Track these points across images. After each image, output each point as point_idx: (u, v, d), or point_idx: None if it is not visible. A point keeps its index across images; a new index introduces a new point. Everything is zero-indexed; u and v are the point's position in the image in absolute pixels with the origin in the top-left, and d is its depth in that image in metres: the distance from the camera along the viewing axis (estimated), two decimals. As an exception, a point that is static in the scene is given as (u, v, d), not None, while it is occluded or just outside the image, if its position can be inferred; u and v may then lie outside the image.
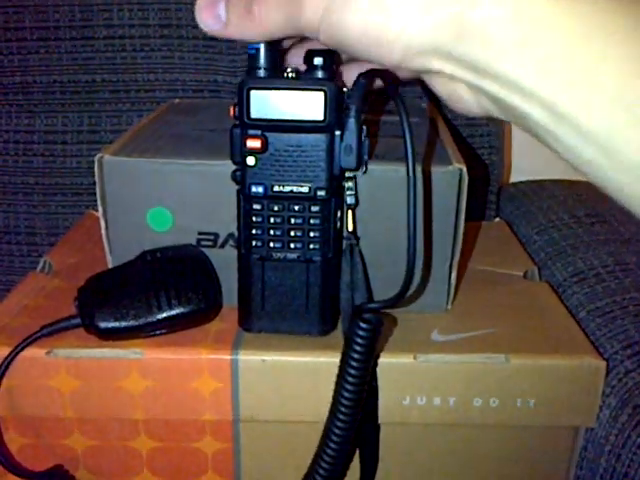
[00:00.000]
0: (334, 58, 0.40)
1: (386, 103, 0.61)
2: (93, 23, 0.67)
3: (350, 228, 0.44)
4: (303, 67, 0.40)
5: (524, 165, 0.84)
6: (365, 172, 0.43)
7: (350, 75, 0.41)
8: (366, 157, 0.42)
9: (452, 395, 0.44)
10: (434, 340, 0.45)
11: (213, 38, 0.68)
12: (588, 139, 0.26)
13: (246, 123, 0.40)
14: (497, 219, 0.70)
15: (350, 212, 0.44)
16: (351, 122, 0.41)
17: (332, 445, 0.39)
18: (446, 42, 0.28)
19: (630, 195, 0.26)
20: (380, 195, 0.45)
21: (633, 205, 0.27)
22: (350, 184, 0.43)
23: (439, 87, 0.32)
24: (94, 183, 0.46)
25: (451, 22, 0.27)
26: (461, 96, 0.31)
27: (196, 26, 0.67)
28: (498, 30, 0.26)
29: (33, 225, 0.72)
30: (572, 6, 0.25)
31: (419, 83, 0.70)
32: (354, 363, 0.38)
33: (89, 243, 0.59)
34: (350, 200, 0.43)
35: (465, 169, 0.44)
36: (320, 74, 0.40)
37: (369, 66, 0.38)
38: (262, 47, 0.39)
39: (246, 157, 0.41)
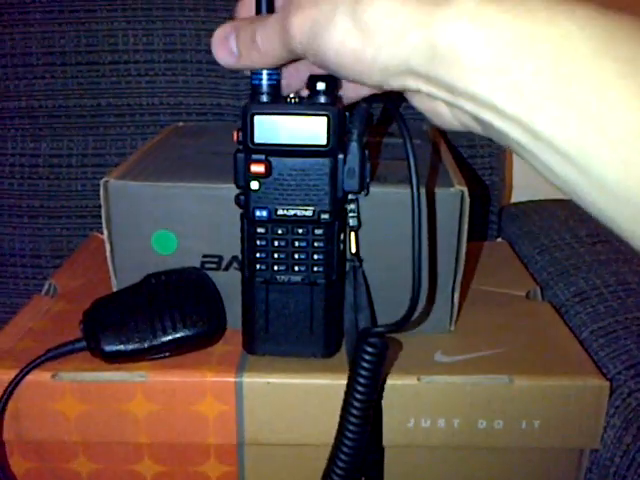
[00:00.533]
0: (336, 83, 0.41)
1: (387, 125, 0.62)
2: (98, 48, 0.68)
3: (353, 250, 0.44)
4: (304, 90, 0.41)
5: (525, 185, 0.85)
6: (367, 194, 0.44)
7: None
8: (368, 180, 0.43)
9: (456, 417, 0.44)
10: (438, 361, 0.45)
11: (216, 62, 0.69)
12: (564, 158, 0.26)
13: (250, 148, 0.41)
14: (499, 239, 0.70)
15: (353, 234, 0.44)
16: (353, 146, 0.41)
17: (339, 466, 0.39)
18: (421, 64, 0.28)
19: (609, 215, 0.27)
20: (382, 217, 0.45)
21: (614, 225, 0.27)
22: (353, 206, 0.44)
23: (419, 104, 0.33)
24: (99, 206, 0.47)
25: (425, 45, 0.28)
26: (440, 113, 0.32)
27: (199, 50, 0.68)
28: (471, 53, 0.27)
29: (38, 248, 0.72)
30: (544, 30, 0.26)
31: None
32: (360, 388, 0.38)
33: (93, 266, 0.59)
34: (353, 222, 0.44)
35: (467, 190, 0.45)
36: (322, 99, 0.40)
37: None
38: (264, 73, 0.40)
39: (250, 181, 0.41)
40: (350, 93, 0.40)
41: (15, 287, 0.73)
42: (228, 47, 0.37)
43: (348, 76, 0.32)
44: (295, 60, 0.36)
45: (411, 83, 0.30)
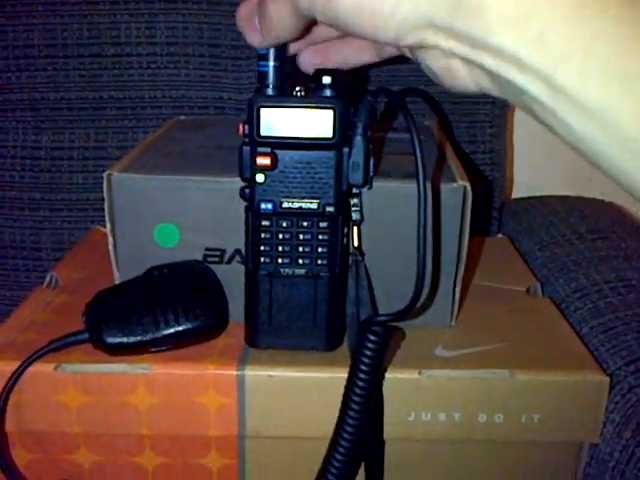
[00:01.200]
0: (342, 76, 0.41)
1: (390, 121, 0.62)
2: (101, 41, 0.68)
3: (355, 244, 0.44)
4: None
5: (526, 181, 0.85)
6: (370, 188, 0.44)
7: (337, 55, 0.41)
8: (372, 174, 0.43)
9: (457, 411, 0.44)
10: (438, 355, 0.45)
11: (218, 56, 0.69)
12: (584, 112, 0.26)
13: (256, 141, 0.41)
14: (500, 235, 0.70)
15: (355, 228, 0.44)
16: (358, 139, 0.41)
17: (339, 458, 0.40)
18: (442, 15, 0.28)
19: (624, 171, 0.27)
20: (385, 211, 0.45)
21: (627, 182, 0.27)
22: (355, 200, 0.44)
23: (434, 64, 0.32)
24: (100, 199, 0.47)
25: None
26: (457, 72, 0.31)
27: (202, 44, 0.68)
28: (495, 3, 0.27)
29: (39, 240, 0.72)
30: None
31: (423, 101, 0.70)
32: (362, 375, 0.39)
33: (95, 259, 0.59)
34: (356, 216, 0.44)
35: (469, 186, 0.45)
36: (328, 92, 0.40)
37: (358, 44, 0.38)
38: (271, 64, 0.40)
39: (255, 174, 0.42)
40: (351, 59, 0.40)
41: (16, 280, 0.73)
42: (254, 27, 0.36)
43: (361, 32, 0.31)
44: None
45: (430, 38, 0.29)
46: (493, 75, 0.29)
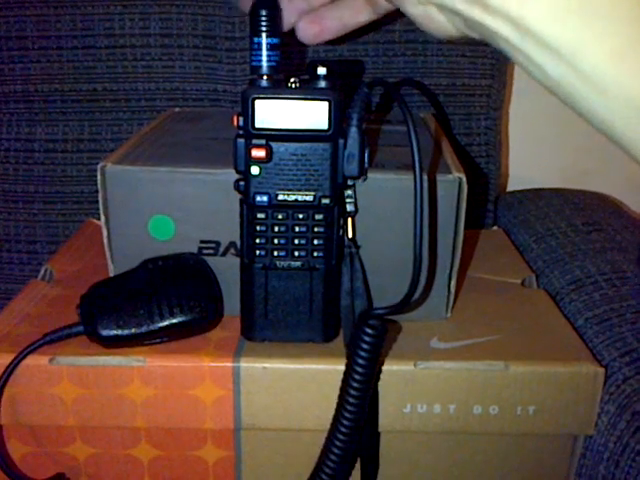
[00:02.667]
0: (337, 68, 0.41)
1: (384, 113, 0.62)
2: (94, 32, 0.68)
3: (350, 235, 0.44)
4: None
5: (522, 174, 0.85)
6: (365, 180, 0.44)
7: (334, 20, 0.41)
8: (367, 165, 0.43)
9: (452, 403, 0.44)
10: (434, 347, 0.45)
11: (213, 47, 0.68)
12: (555, 55, 0.26)
13: (250, 133, 0.40)
14: (495, 227, 0.70)
15: (350, 220, 0.44)
16: (353, 131, 0.41)
17: (335, 451, 0.40)
18: None
19: (603, 118, 0.27)
20: (380, 203, 0.45)
21: (607, 128, 0.27)
22: (350, 192, 0.44)
23: (413, 10, 0.33)
24: (95, 191, 0.47)
25: None
26: (435, 18, 0.32)
27: (196, 35, 0.68)
28: None
29: (33, 233, 0.72)
30: None
31: (419, 92, 0.70)
32: (359, 368, 0.39)
33: (90, 251, 0.59)
34: (350, 208, 0.44)
35: (464, 178, 0.45)
36: (323, 84, 0.40)
37: (352, 4, 0.39)
38: (264, 55, 0.39)
39: (250, 167, 0.41)
40: (349, 21, 0.40)
41: (10, 273, 0.72)
42: None
43: None
44: None
45: None
46: (467, 19, 0.29)
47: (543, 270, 0.60)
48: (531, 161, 0.85)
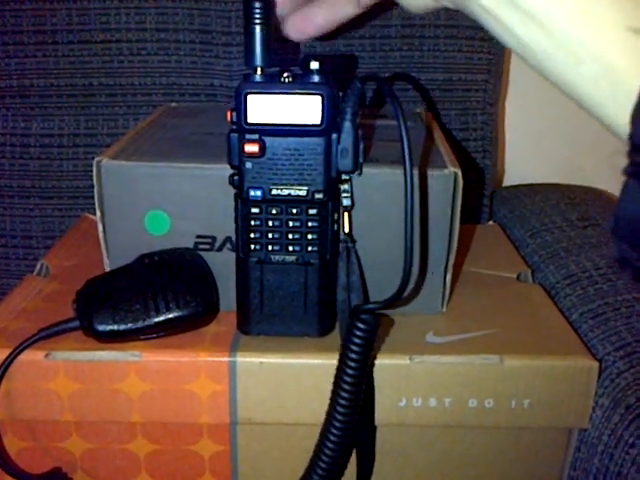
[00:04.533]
0: (330, 62, 0.41)
1: (379, 107, 0.62)
2: (90, 27, 0.68)
3: (347, 230, 0.44)
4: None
5: (518, 169, 0.85)
6: (360, 174, 0.44)
7: (322, 14, 0.41)
8: (362, 160, 0.43)
9: (448, 396, 0.44)
10: (429, 342, 0.46)
11: (209, 42, 0.68)
12: (527, 16, 0.27)
13: (244, 128, 0.40)
14: (491, 222, 0.70)
15: (346, 214, 0.44)
16: (347, 125, 0.41)
17: (330, 445, 0.40)
18: None
19: (572, 81, 0.27)
20: (375, 198, 0.45)
21: (573, 90, 0.27)
22: (346, 186, 0.44)
23: None
24: (90, 186, 0.47)
25: None
26: None
27: (192, 30, 0.68)
28: None
29: (29, 228, 0.72)
30: None
31: (413, 88, 0.70)
32: (352, 363, 0.39)
33: (85, 246, 0.59)
34: (346, 202, 0.44)
35: (460, 173, 0.45)
36: (316, 78, 0.40)
37: None
38: (258, 46, 0.39)
39: (244, 161, 0.41)
40: (337, 14, 0.41)
41: (6, 268, 0.72)
42: None
43: None
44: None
45: None
46: None
47: (539, 265, 0.60)
48: (528, 156, 0.85)
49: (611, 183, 0.82)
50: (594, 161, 0.85)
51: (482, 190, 0.74)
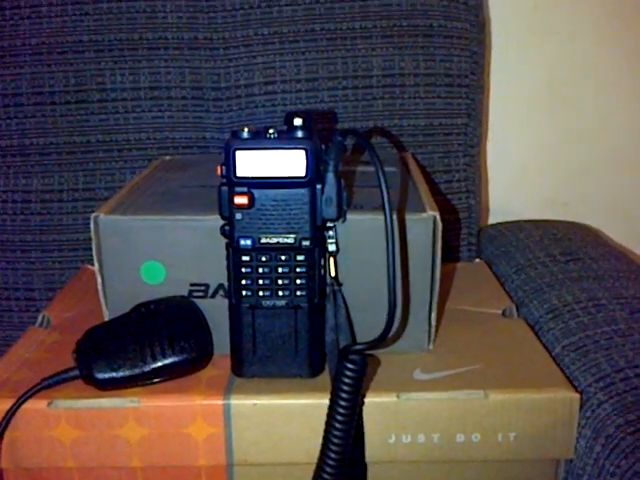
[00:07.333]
0: (312, 118, 0.43)
1: (361, 154, 0.65)
2: (87, 87, 0.71)
3: (333, 274, 0.47)
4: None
5: (502, 207, 0.88)
6: (344, 221, 0.46)
7: None
8: (345, 207, 0.45)
9: (436, 432, 0.46)
10: (416, 379, 0.47)
11: (200, 97, 0.72)
12: None
13: (233, 181, 0.43)
14: (477, 260, 0.73)
15: (332, 259, 0.47)
16: (330, 176, 0.44)
17: (323, 482, 0.41)
18: None
19: None
20: (359, 242, 0.48)
21: None
22: (331, 233, 0.46)
23: None
24: (90, 239, 0.49)
25: None
26: None
27: (184, 87, 0.71)
28: None
29: (31, 281, 0.74)
30: None
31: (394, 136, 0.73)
32: (343, 402, 0.40)
33: (85, 297, 0.61)
34: (331, 248, 0.46)
35: (438, 215, 0.47)
36: (300, 134, 0.43)
37: None
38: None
39: (234, 213, 0.44)
40: None
41: (9, 320, 0.74)
42: None
43: None
44: None
45: None
46: None
47: (523, 300, 0.62)
48: (512, 194, 0.88)
49: (596, 218, 0.84)
50: (578, 196, 0.88)
51: (468, 229, 0.76)
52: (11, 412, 0.44)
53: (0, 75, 0.71)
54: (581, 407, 0.46)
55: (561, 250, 0.68)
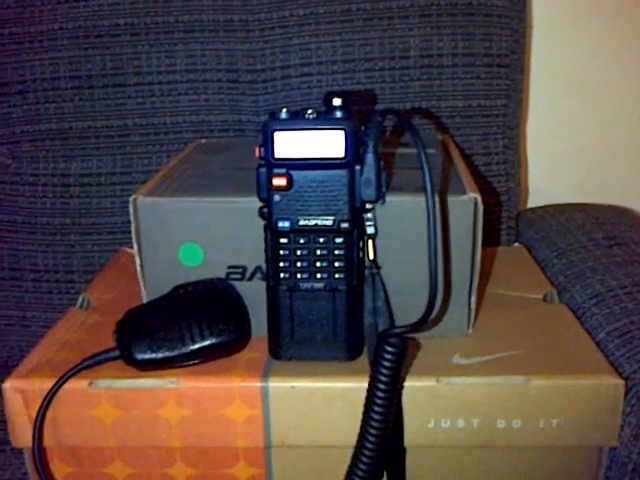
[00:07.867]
0: (351, 98, 0.43)
1: (401, 136, 0.64)
2: (123, 71, 0.71)
3: (371, 257, 0.46)
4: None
5: (542, 190, 0.86)
6: (383, 203, 0.46)
7: None
8: (384, 189, 0.45)
9: (475, 417, 0.45)
10: (456, 363, 0.47)
11: (236, 80, 0.72)
12: None
13: (271, 163, 0.43)
14: (517, 244, 0.71)
15: (370, 242, 0.46)
16: (369, 157, 0.43)
17: (362, 467, 0.41)
18: None
19: None
20: (398, 225, 0.47)
21: None
22: (370, 215, 0.46)
23: None
24: (128, 222, 0.49)
25: None
26: None
27: (219, 69, 0.71)
28: None
29: (71, 264, 0.75)
30: None
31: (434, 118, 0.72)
32: (381, 386, 0.40)
33: (124, 279, 0.61)
34: (370, 230, 0.46)
35: (479, 198, 0.47)
36: (339, 114, 0.42)
37: None
38: None
39: (272, 194, 0.44)
40: None
41: (49, 302, 0.76)
42: None
43: None
44: None
45: None
46: None
47: (565, 285, 0.60)
48: (551, 177, 0.86)
49: (636, 201, 0.82)
50: (617, 178, 0.86)
51: (507, 212, 0.75)
52: (53, 392, 0.45)
53: (39, 59, 0.72)
54: (626, 394, 0.45)
55: (604, 234, 0.66)
